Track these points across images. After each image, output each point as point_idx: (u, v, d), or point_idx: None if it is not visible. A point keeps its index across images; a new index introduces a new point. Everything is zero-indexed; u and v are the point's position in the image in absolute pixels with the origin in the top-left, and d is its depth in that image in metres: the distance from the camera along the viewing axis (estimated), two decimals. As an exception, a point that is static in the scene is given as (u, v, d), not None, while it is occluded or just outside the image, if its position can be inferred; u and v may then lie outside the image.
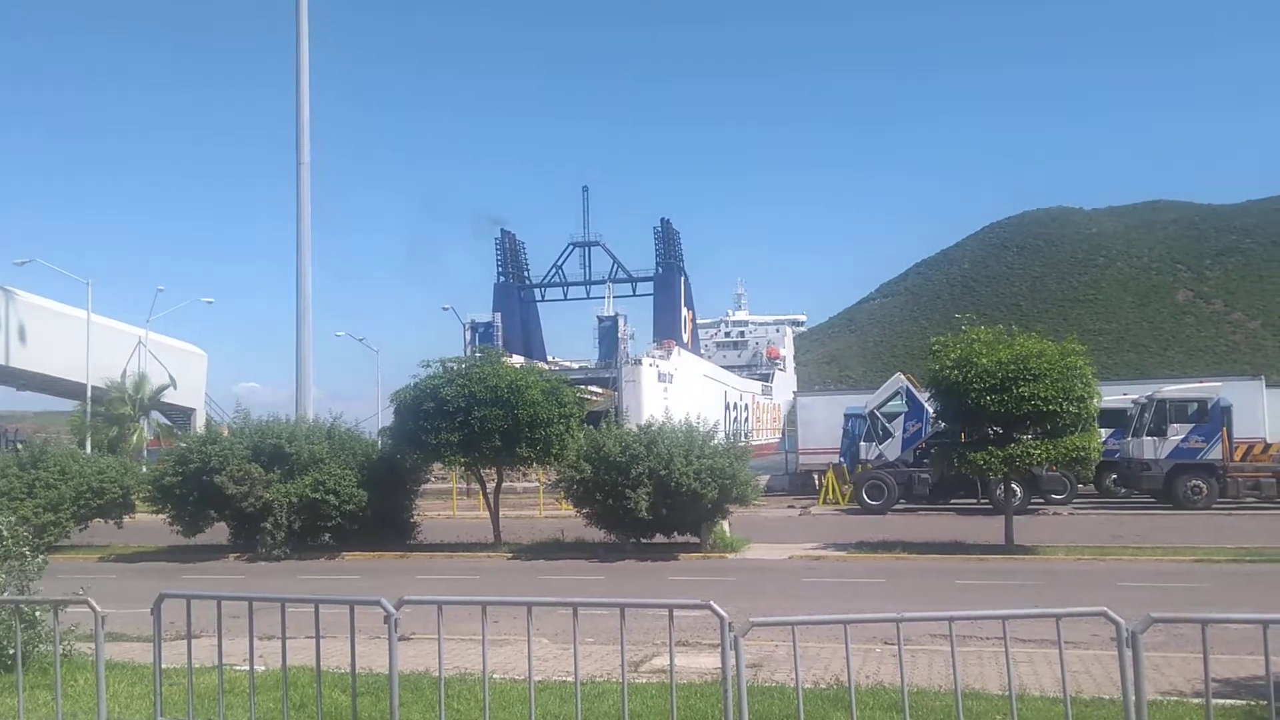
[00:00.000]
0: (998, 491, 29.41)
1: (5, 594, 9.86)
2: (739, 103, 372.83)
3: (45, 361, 57.37)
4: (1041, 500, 32.91)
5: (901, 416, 35.81)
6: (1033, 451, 22.00)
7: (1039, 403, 21.31)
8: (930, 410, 30.34)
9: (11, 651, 8.69)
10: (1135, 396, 34.52)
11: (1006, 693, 7.52)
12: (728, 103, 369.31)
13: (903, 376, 37.34)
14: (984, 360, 21.72)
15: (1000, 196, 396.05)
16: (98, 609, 7.58)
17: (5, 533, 10.38)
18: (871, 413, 36.40)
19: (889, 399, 36.49)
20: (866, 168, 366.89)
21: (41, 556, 11.03)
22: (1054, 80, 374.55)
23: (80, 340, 53.91)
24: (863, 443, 36.49)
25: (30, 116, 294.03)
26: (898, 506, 34.14)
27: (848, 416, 39.19)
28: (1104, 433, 25.69)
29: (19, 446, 38.23)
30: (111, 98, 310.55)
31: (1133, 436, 32.92)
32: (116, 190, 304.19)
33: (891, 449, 35.60)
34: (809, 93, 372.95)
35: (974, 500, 33.70)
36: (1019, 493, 25.91)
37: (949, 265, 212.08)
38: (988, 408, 21.62)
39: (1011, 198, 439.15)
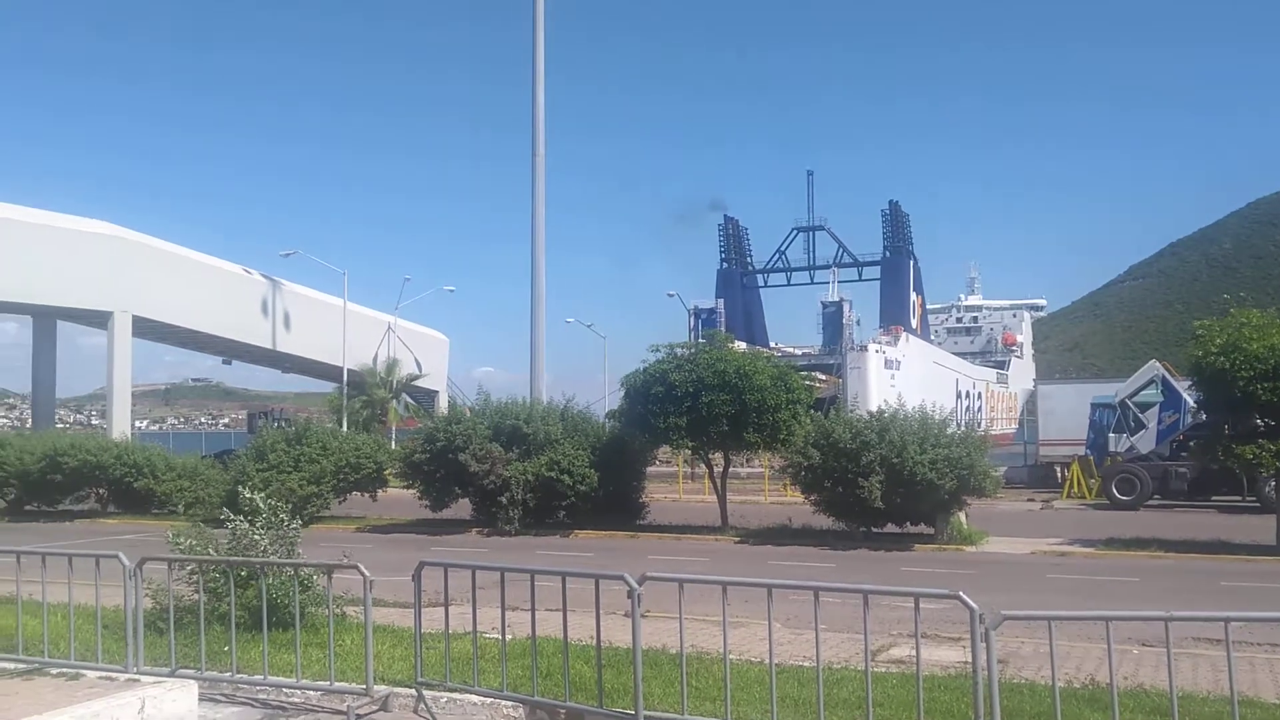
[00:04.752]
0: (1267, 489, 27.08)
1: (275, 559, 10.72)
2: (976, 78, 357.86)
3: (307, 346, 62.22)
4: (1319, 499, 29.93)
5: (1156, 406, 33.68)
6: (1311, 445, 20.03)
7: (1318, 392, 19.35)
8: (1189, 400, 28.50)
9: (289, 612, 9.43)
10: None
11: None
12: (963, 78, 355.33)
13: (1158, 364, 35.26)
14: (1255, 346, 19.95)
15: (1267, 170, 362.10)
16: (366, 574, 8.11)
17: (262, 506, 11.26)
18: (1123, 402, 34.48)
19: (1142, 388, 34.50)
20: (1115, 144, 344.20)
21: (297, 521, 11.91)
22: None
23: (337, 326, 58.08)
24: (1112, 434, 34.64)
25: (312, 94, 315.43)
26: (1151, 502, 32.02)
27: (1095, 406, 37.17)
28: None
29: (283, 424, 41.28)
30: (371, 82, 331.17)
31: None
32: (371, 174, 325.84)
33: (1145, 441, 33.52)
34: (1052, 69, 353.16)
35: (1238, 498, 31.08)
36: (1292, 490, 23.63)
37: (1208, 245, 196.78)
38: (1258, 397, 19.87)
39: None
